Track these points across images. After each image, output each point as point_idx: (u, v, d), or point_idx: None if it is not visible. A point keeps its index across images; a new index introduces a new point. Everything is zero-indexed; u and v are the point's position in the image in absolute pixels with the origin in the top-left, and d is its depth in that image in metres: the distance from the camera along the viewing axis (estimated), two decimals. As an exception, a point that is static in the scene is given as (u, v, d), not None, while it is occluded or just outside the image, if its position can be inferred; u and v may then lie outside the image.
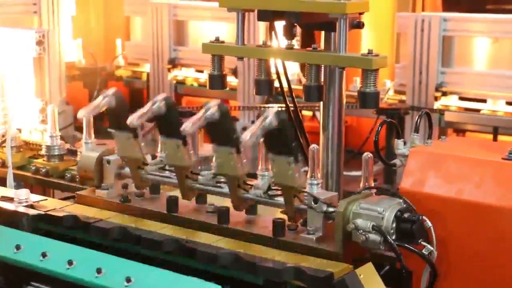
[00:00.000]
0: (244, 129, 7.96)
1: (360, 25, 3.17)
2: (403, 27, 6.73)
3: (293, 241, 2.49)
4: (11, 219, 2.80)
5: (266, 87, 3.11)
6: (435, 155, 2.59)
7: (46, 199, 2.99)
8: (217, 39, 3.19)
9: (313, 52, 2.96)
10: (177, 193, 2.85)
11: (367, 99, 2.78)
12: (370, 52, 2.81)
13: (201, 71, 8.11)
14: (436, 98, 6.43)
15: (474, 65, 6.48)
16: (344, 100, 3.18)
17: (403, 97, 6.71)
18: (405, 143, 2.83)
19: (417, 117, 2.86)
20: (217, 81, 3.18)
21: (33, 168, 3.56)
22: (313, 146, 3.19)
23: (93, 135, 3.50)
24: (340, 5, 2.79)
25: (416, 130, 2.84)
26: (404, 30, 6.69)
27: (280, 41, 3.42)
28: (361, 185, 2.90)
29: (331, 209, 2.46)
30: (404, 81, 6.64)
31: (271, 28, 3.43)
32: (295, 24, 3.11)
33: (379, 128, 2.76)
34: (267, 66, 3.09)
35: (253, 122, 7.70)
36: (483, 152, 2.59)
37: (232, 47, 3.13)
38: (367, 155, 3.01)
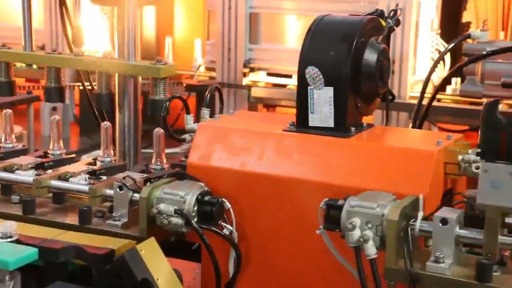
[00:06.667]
0: (54, 109, 7.64)
1: (153, 1, 3.18)
2: (212, 5, 6.79)
3: (99, 228, 2.48)
4: None
5: (57, 95, 3.04)
6: (221, 129, 2.62)
7: None
8: (3, 45, 3.09)
9: (102, 60, 2.93)
10: None
11: (156, 106, 2.81)
12: (158, 61, 2.84)
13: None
14: (244, 74, 6.55)
15: (281, 41, 6.65)
16: (140, 79, 3.16)
17: (214, 74, 6.79)
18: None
19: (207, 92, 2.88)
20: (5, 88, 3.08)
21: None
22: (105, 123, 3.15)
23: None
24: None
25: (206, 105, 2.86)
26: (213, 8, 6.75)
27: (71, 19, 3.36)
28: (153, 160, 2.90)
29: (136, 195, 2.47)
30: (214, 58, 6.71)
31: (62, 4, 3.34)
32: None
33: (167, 103, 2.76)
34: (58, 73, 3.02)
35: (63, 101, 7.38)
36: (266, 124, 2.65)
37: (20, 53, 3.06)
38: (158, 131, 3.01)
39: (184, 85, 6.49)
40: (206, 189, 2.47)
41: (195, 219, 2.40)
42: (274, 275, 2.50)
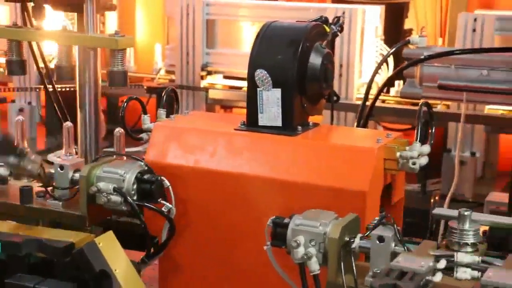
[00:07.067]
0: (21, 110, 7.56)
1: (112, 7, 3.15)
2: (171, 11, 6.76)
3: (41, 207, 2.45)
4: None
5: (18, 67, 3.00)
6: (176, 128, 2.62)
7: None
8: (-32, 21, 3.04)
9: (62, 32, 2.89)
10: None
11: (115, 78, 2.79)
12: (116, 33, 2.81)
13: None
14: (202, 77, 6.53)
15: (236, 46, 6.65)
16: (100, 80, 3.14)
17: (173, 77, 6.76)
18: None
19: (163, 94, 2.87)
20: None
21: None
22: (67, 123, 3.13)
23: None
24: (84, -13, 2.75)
25: (162, 106, 2.85)
26: (172, 15, 6.72)
27: (33, 21, 3.31)
28: (114, 158, 2.89)
29: (76, 175, 2.44)
30: (174, 61, 6.69)
31: (23, 9, 3.29)
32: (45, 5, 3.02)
33: (125, 104, 2.75)
34: (20, 46, 2.98)
35: (29, 103, 7.32)
36: (218, 124, 2.65)
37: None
38: (118, 131, 2.99)
39: (145, 87, 6.45)
40: (145, 168, 2.43)
41: (135, 197, 2.36)
42: (224, 268, 2.51)
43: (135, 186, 2.36)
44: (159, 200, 2.39)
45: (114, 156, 2.61)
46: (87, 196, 2.36)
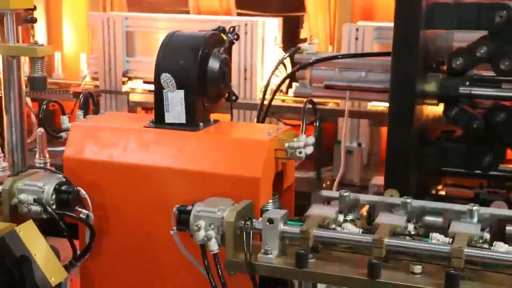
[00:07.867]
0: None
1: (33, 20, 3.06)
2: (93, 24, 6.62)
3: None
4: None
5: None
6: (92, 127, 2.58)
7: None
8: None
9: None
10: None
11: (36, 83, 2.74)
12: (36, 42, 2.76)
13: None
14: (124, 83, 6.43)
15: (153, 54, 6.56)
16: (24, 85, 3.05)
17: (97, 83, 6.64)
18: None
19: (80, 97, 2.82)
20: None
21: None
22: (-9, 125, 3.02)
23: None
24: (4, 1, 2.68)
25: (80, 107, 2.80)
26: (95, 27, 6.59)
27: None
28: (37, 156, 2.81)
29: None
30: (97, 69, 6.56)
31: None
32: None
33: (44, 106, 2.69)
34: None
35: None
36: (130, 122, 2.63)
37: None
38: (39, 131, 2.92)
39: (71, 92, 6.30)
40: (63, 180, 2.41)
41: (54, 206, 2.34)
42: (141, 258, 2.48)
43: (53, 197, 2.34)
44: (76, 208, 2.36)
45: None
46: (10, 207, 2.32)
